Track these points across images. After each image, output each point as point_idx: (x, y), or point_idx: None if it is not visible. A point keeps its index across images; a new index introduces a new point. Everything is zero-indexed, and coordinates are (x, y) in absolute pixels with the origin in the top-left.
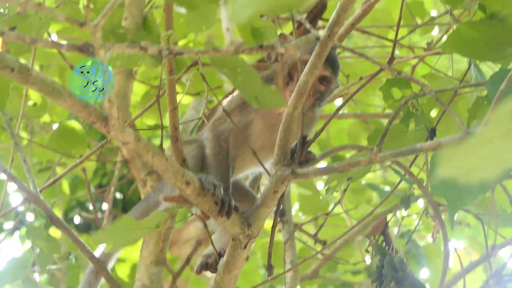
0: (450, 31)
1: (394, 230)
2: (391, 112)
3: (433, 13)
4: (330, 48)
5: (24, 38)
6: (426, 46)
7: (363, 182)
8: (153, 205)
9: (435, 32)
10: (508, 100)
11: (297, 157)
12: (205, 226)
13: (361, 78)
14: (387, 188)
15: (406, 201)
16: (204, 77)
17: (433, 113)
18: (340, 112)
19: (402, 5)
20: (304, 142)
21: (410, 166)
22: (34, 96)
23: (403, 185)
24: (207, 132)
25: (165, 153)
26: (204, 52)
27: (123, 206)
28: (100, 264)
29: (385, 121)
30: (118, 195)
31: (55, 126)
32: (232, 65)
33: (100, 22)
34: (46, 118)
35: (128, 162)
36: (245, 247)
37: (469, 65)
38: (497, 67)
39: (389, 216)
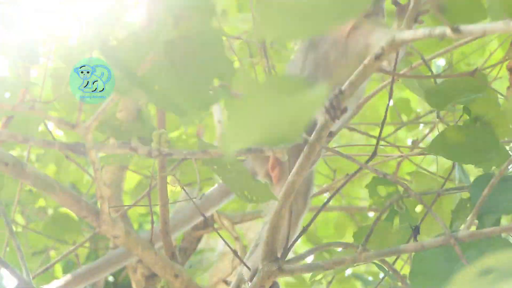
0: (436, 130)
1: None
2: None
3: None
4: (318, 150)
5: (16, 136)
6: (411, 144)
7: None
8: None
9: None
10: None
11: (285, 254)
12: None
13: (347, 175)
14: (370, 278)
15: None
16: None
17: (418, 209)
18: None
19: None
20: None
21: (395, 262)
22: None
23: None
24: None
25: (154, 247)
26: (193, 154)
27: None
28: None
29: (370, 214)
30: (111, 278)
31: (50, 210)
32: (222, 162)
33: (92, 124)
34: (41, 202)
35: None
36: None
37: (453, 166)
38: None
39: None
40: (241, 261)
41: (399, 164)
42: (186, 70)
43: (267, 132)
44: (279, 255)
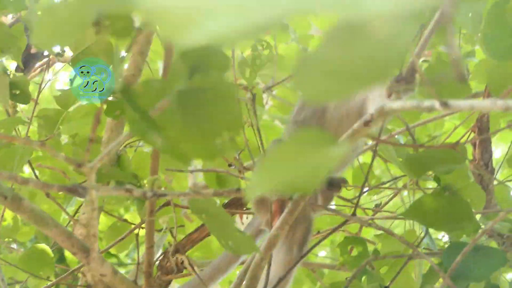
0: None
1: None
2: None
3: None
4: (302, 206)
5: (16, 177)
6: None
7: None
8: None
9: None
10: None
11: None
12: None
13: (318, 232)
14: None
15: None
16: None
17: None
18: None
19: (370, 166)
20: None
21: None
22: (9, 216)
23: None
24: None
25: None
26: (185, 194)
27: None
28: None
29: (327, 271)
30: None
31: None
32: (210, 210)
33: (96, 164)
34: (19, 237)
35: (91, 287)
36: None
37: (426, 232)
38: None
39: None
40: None
41: (361, 227)
42: (196, 120)
43: (288, 183)
44: None
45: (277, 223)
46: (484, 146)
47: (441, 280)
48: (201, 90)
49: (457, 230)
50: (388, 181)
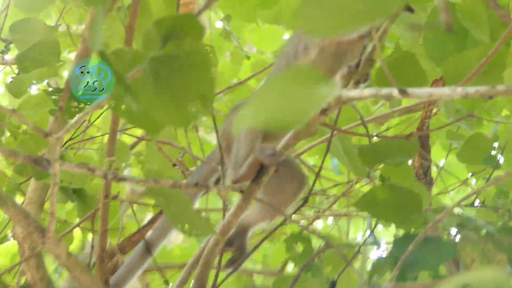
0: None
1: None
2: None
3: None
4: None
5: None
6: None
7: None
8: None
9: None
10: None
11: None
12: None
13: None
14: None
15: None
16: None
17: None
18: None
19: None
20: None
21: None
22: None
23: None
24: None
25: (91, 272)
26: (145, 181)
27: None
28: None
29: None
30: None
31: None
32: (169, 195)
33: (63, 136)
34: None
35: (30, 286)
36: None
37: (373, 228)
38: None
39: None
40: None
41: (313, 219)
42: (169, 87)
43: (276, 117)
44: None
45: (231, 210)
46: (424, 156)
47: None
48: (175, 57)
49: (406, 222)
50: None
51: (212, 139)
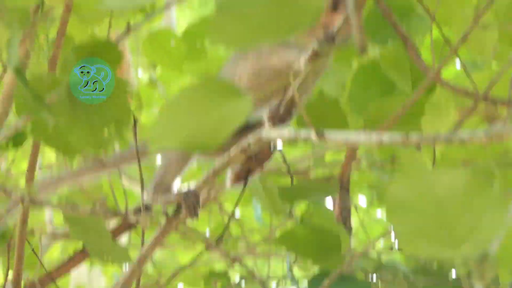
0: None
1: None
2: None
3: None
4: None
5: None
6: None
7: None
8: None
9: None
10: None
11: None
12: None
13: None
14: None
15: None
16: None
17: None
18: None
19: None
20: None
21: None
22: None
23: None
24: None
25: None
26: (63, 207)
27: None
28: None
29: None
30: None
31: None
32: (84, 224)
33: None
34: None
35: None
36: None
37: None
38: None
39: None
40: None
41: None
42: (85, 112)
43: (192, 135)
44: None
45: (150, 242)
46: (344, 204)
47: None
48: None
49: (324, 260)
50: None
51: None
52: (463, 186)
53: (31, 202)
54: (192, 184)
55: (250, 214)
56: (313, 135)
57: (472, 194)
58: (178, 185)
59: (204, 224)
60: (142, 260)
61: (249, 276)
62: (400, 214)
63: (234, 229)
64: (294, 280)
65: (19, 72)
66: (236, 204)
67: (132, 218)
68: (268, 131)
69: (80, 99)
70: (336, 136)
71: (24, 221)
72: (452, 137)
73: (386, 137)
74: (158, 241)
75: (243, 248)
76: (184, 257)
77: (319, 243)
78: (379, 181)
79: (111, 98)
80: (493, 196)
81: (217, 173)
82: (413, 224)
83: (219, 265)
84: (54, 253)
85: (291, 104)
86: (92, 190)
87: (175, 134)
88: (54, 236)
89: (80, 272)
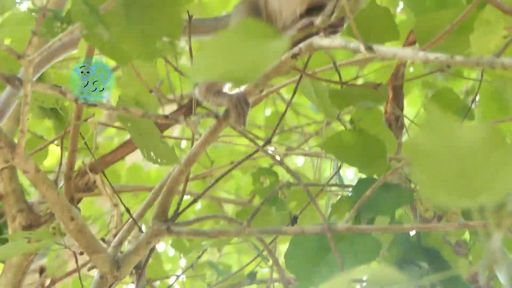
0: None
1: None
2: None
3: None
4: (223, 127)
5: None
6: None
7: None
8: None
9: None
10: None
11: (175, 217)
12: None
13: (232, 163)
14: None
15: (252, 277)
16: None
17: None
18: None
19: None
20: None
21: (271, 242)
22: None
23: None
24: None
25: (57, 188)
26: (115, 109)
27: None
28: None
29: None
30: None
31: None
32: (136, 121)
33: (35, 59)
34: None
35: (2, 197)
36: (110, 287)
37: (338, 169)
38: None
39: None
40: (130, 215)
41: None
42: (139, 22)
43: (230, 70)
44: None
45: (198, 142)
46: (397, 102)
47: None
48: None
49: (369, 167)
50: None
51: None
52: (483, 142)
53: (85, 103)
54: (243, 87)
55: (306, 102)
56: (362, 48)
57: (491, 150)
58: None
59: (259, 115)
60: (191, 160)
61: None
62: (424, 164)
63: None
64: (342, 182)
65: None
66: (294, 93)
67: (182, 122)
68: (319, 40)
69: (134, 8)
70: (384, 50)
71: (78, 116)
72: (494, 62)
73: (432, 56)
74: (206, 142)
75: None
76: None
77: (365, 149)
78: (434, 79)
79: (163, 9)
80: (509, 152)
81: (268, 77)
82: (435, 174)
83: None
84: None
85: (343, 12)
86: (148, 76)
87: (214, 69)
88: (110, 117)
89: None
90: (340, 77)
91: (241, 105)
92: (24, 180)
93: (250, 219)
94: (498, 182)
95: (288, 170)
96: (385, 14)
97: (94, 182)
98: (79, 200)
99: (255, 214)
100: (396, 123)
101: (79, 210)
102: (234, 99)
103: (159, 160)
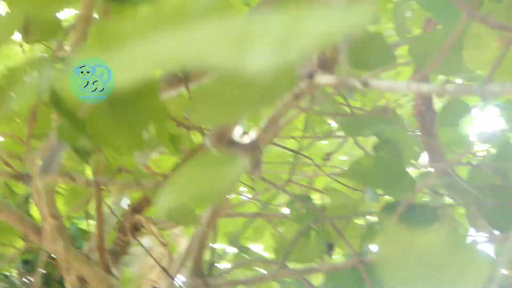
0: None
1: None
2: None
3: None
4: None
5: None
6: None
7: None
8: None
9: None
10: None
11: (210, 270)
12: None
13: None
14: None
15: None
16: None
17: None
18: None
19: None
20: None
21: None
22: None
23: None
24: None
25: (91, 261)
26: (128, 186)
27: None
28: None
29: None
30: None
31: None
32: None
33: (36, 157)
34: None
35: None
36: None
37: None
38: None
39: None
40: (165, 271)
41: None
42: (122, 114)
43: (194, 197)
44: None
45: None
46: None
47: None
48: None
49: (393, 189)
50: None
51: None
52: (444, 244)
53: (97, 184)
54: (253, 133)
55: None
56: (358, 84)
57: (453, 251)
58: (239, 132)
59: None
60: (214, 217)
61: None
62: (392, 273)
63: None
64: (376, 197)
65: (54, 98)
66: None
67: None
68: (318, 78)
69: (116, 102)
70: (379, 84)
71: (99, 200)
72: (484, 90)
73: (425, 87)
74: (214, 218)
75: None
76: None
77: (385, 172)
78: None
79: (144, 99)
80: (470, 251)
81: (275, 120)
82: (405, 280)
83: None
84: None
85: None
86: None
87: (183, 194)
88: None
89: None
90: (349, 106)
91: (255, 154)
92: None
93: (284, 260)
94: (464, 280)
95: (315, 209)
96: (379, 39)
97: (142, 224)
98: (128, 242)
99: (287, 254)
100: (427, 109)
101: (117, 277)
102: (248, 148)
103: (179, 221)
